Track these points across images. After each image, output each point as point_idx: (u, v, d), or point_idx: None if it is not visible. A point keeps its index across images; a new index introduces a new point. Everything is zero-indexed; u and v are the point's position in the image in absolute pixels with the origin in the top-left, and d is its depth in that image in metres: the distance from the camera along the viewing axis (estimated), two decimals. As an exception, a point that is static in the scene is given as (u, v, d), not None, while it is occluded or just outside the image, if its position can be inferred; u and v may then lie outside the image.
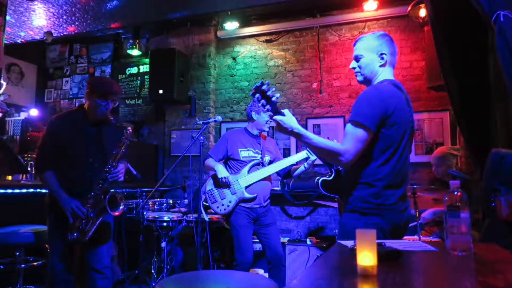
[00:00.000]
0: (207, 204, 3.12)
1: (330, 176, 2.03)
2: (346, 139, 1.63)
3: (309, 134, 1.67)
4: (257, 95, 1.69)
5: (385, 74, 1.79)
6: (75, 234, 2.37)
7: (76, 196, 2.41)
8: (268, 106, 1.70)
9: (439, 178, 3.50)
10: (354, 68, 1.85)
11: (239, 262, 2.94)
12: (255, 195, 2.99)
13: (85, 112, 2.54)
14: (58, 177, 2.44)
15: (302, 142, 1.70)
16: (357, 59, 1.83)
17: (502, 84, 2.07)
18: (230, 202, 3.00)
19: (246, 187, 2.99)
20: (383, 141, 1.65)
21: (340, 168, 1.98)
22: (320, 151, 1.68)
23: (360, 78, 1.84)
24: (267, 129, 3.15)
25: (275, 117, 1.68)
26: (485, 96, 2.53)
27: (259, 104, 1.71)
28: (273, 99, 1.69)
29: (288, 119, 1.67)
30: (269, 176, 3.13)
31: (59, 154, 2.45)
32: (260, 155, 3.10)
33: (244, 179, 3.01)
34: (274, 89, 1.73)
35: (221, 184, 3.01)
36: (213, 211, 3.18)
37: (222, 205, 3.01)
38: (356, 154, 1.61)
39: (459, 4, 2.48)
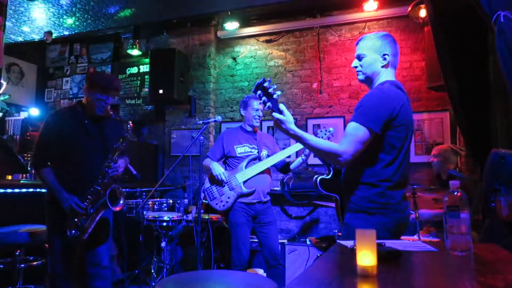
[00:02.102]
0: (206, 202, 3.13)
1: (328, 175, 2.03)
2: (345, 139, 1.63)
3: (307, 135, 1.69)
4: (259, 92, 1.70)
5: (387, 75, 1.79)
6: (73, 231, 2.34)
7: (76, 192, 2.36)
8: (269, 104, 1.71)
9: (436, 173, 3.50)
10: (356, 66, 1.86)
11: (235, 259, 2.95)
12: (253, 189, 2.99)
13: (84, 108, 2.50)
14: (57, 174, 2.39)
15: (301, 143, 1.72)
16: (359, 58, 1.83)
17: (502, 84, 2.07)
18: (228, 198, 3.00)
19: (244, 182, 3.00)
20: (388, 143, 1.66)
21: (339, 167, 1.98)
22: (319, 152, 1.70)
23: (361, 77, 1.85)
24: (257, 124, 3.16)
25: (274, 114, 1.68)
26: (485, 96, 2.54)
27: (261, 101, 1.72)
28: (275, 96, 1.71)
29: (287, 119, 1.67)
30: (269, 170, 3.13)
31: (58, 151, 2.41)
32: (257, 150, 3.10)
33: (242, 174, 3.01)
34: (275, 86, 1.74)
35: (217, 181, 3.02)
36: (214, 210, 3.18)
37: (221, 201, 3.02)
38: (355, 155, 1.61)
39: (459, 4, 2.48)
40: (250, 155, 3.07)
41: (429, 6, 2.85)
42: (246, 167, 3.03)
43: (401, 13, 4.37)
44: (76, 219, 2.34)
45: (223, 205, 3.01)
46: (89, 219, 2.37)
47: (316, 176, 2.06)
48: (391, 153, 1.67)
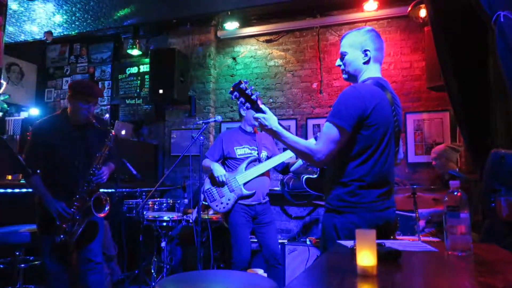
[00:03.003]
0: (206, 203, 3.13)
1: (316, 174, 2.03)
2: (320, 139, 1.63)
3: (286, 133, 1.69)
4: (235, 93, 1.74)
5: (370, 71, 1.75)
6: (61, 236, 2.42)
7: (62, 198, 2.45)
8: (247, 104, 1.74)
9: (439, 173, 3.50)
10: (340, 65, 1.83)
11: (236, 260, 2.95)
12: (253, 191, 2.99)
13: (68, 116, 2.59)
14: (44, 180, 2.49)
15: (280, 141, 1.72)
16: (342, 56, 1.80)
17: (502, 84, 2.07)
18: (229, 200, 3.00)
19: (244, 184, 2.99)
20: (361, 142, 1.63)
21: (325, 167, 1.97)
22: (296, 150, 1.70)
23: (345, 76, 1.83)
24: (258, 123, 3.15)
25: (256, 114, 1.72)
26: (485, 96, 2.53)
27: (238, 102, 1.75)
28: (253, 97, 1.73)
29: (269, 117, 1.71)
30: (268, 172, 3.12)
31: (45, 158, 2.51)
32: (256, 151, 3.10)
33: (242, 176, 3.01)
34: (252, 87, 1.76)
35: (218, 183, 3.01)
36: (213, 211, 3.18)
37: (221, 203, 3.02)
38: (329, 154, 1.60)
39: (459, 4, 2.48)
40: (249, 156, 3.07)
41: (429, 6, 2.85)
42: (246, 168, 3.03)
43: (401, 13, 4.37)
44: (64, 225, 2.44)
45: (223, 207, 3.01)
46: (76, 224, 2.46)
47: (302, 175, 2.06)
48: (365, 152, 1.63)
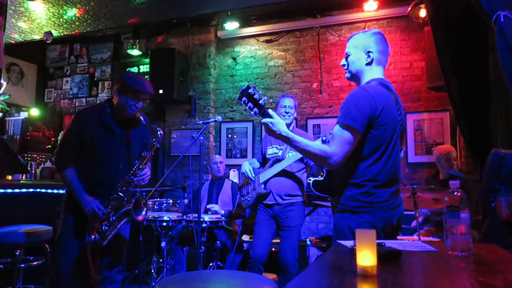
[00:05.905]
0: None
1: (322, 176, 2.02)
2: (333, 141, 1.63)
3: (297, 137, 1.69)
4: (244, 98, 1.73)
5: (373, 73, 1.77)
6: (93, 236, 2.22)
7: (98, 196, 2.26)
8: (255, 109, 1.73)
9: (441, 172, 3.51)
10: (344, 65, 1.86)
11: (251, 255, 3.03)
12: (268, 191, 3.01)
13: (113, 109, 2.35)
14: (79, 176, 2.27)
15: (290, 145, 1.72)
16: (346, 56, 1.84)
17: (502, 84, 2.07)
18: (250, 197, 3.09)
19: (264, 183, 3.03)
20: (372, 142, 1.64)
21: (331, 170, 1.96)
22: (309, 154, 1.69)
23: (347, 75, 1.85)
24: (287, 120, 3.10)
25: (264, 119, 1.71)
26: (485, 96, 2.54)
27: (246, 108, 1.74)
28: (260, 102, 1.73)
29: (277, 121, 1.70)
30: (289, 173, 3.03)
31: (83, 152, 2.28)
32: (281, 151, 3.09)
33: (263, 175, 3.05)
34: (260, 92, 1.76)
35: (245, 178, 3.16)
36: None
37: (245, 199, 3.15)
38: (344, 156, 1.61)
39: (459, 4, 2.48)
40: (275, 156, 3.09)
41: (429, 6, 2.85)
42: (269, 167, 3.05)
43: (401, 13, 4.38)
44: (97, 224, 2.23)
45: (245, 203, 3.15)
46: (111, 226, 2.26)
47: (309, 178, 2.06)
48: (376, 152, 1.65)
